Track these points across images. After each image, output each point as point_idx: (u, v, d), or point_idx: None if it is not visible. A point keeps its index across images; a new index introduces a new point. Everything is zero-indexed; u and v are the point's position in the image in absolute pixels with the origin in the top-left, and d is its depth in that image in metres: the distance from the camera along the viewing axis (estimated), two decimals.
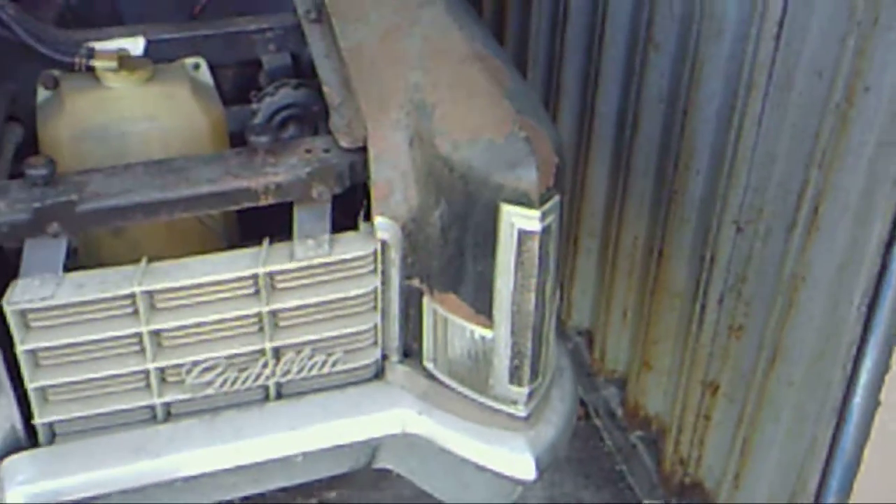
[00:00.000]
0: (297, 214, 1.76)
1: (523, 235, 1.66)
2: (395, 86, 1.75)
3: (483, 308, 1.77)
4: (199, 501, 1.98)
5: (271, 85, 1.95)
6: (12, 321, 1.65)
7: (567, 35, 2.81)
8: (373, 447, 1.99)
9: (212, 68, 1.97)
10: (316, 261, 1.75)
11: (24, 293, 1.64)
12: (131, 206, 1.68)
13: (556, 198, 1.69)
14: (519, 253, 1.67)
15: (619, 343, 2.94)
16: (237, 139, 1.98)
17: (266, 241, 1.74)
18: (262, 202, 1.73)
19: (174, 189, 1.70)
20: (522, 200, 1.64)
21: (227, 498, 2.03)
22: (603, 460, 2.87)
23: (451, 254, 1.76)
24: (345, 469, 2.06)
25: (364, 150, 1.75)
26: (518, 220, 1.65)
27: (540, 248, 1.68)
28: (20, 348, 1.68)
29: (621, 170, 2.73)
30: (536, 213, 1.64)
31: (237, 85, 2.01)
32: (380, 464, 2.07)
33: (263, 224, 1.91)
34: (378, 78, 1.77)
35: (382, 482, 2.61)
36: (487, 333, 1.78)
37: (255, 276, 1.74)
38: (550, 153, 1.68)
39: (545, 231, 1.67)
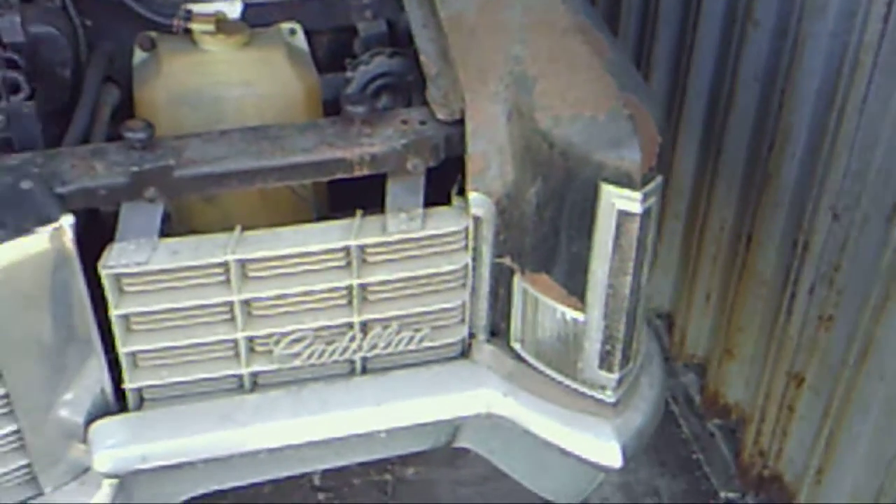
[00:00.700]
0: (391, 187, 1.73)
1: (623, 217, 1.61)
2: (495, 58, 1.71)
3: (576, 290, 1.73)
4: (281, 473, 1.99)
5: (366, 53, 1.92)
6: (107, 285, 1.65)
7: (661, 7, 2.73)
8: (455, 426, 1.97)
9: (307, 34, 1.94)
10: (408, 235, 1.72)
11: (119, 257, 1.64)
12: (227, 173, 1.66)
13: (658, 179, 1.63)
14: (617, 235, 1.63)
15: (700, 328, 2.88)
16: (330, 107, 1.96)
17: (359, 214, 1.73)
18: (357, 173, 1.71)
19: (269, 157, 1.67)
20: (624, 181, 1.59)
21: (308, 470, 2.05)
22: (679, 447, 2.82)
23: (546, 233, 1.72)
24: (425, 446, 2.04)
25: (460, 122, 1.72)
26: (618, 201, 1.60)
27: (639, 230, 1.63)
28: (114, 312, 1.68)
29: (712, 150, 2.66)
30: (638, 195, 1.59)
31: (331, 52, 1.98)
32: (460, 443, 2.05)
33: (347, 194, 1.93)
34: (477, 49, 1.72)
35: (458, 460, 2.60)
36: (579, 316, 1.74)
37: (346, 249, 1.72)
38: (654, 132, 1.62)
39: (646, 213, 1.62)
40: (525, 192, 1.71)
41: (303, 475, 2.23)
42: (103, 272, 1.64)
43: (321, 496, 2.66)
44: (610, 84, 1.63)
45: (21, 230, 1.55)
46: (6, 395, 1.68)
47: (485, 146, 1.69)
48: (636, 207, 1.61)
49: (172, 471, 1.83)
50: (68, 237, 1.59)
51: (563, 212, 1.67)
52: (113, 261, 1.64)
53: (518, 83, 1.68)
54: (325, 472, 2.53)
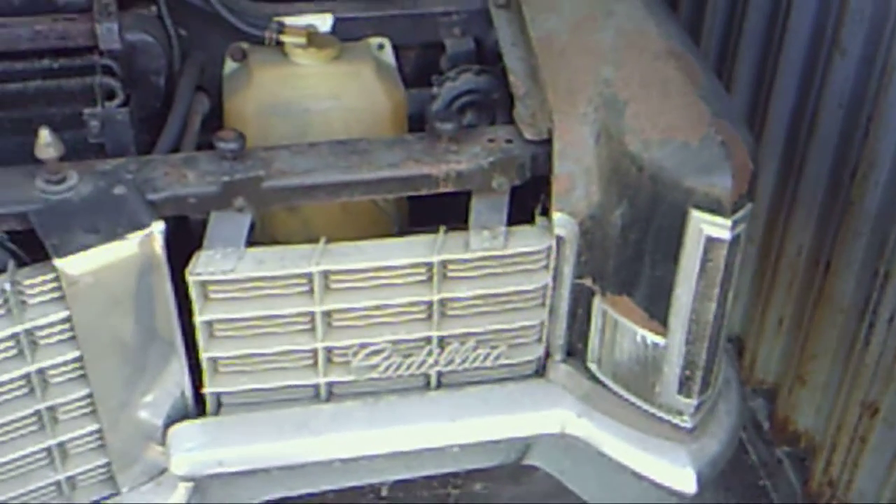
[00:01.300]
0: (475, 204, 1.73)
1: (711, 243, 1.60)
2: (585, 79, 1.70)
3: (657, 314, 1.72)
4: (351, 482, 2.00)
5: (453, 70, 1.93)
6: (193, 291, 1.67)
7: (744, 30, 2.70)
8: (527, 444, 1.97)
9: (394, 49, 1.96)
10: (490, 252, 1.72)
11: (207, 265, 1.66)
12: (315, 185, 1.68)
13: (748, 206, 1.62)
14: (704, 261, 1.62)
15: (771, 353, 2.84)
16: (415, 122, 1.98)
17: (442, 230, 1.73)
18: (442, 189, 1.71)
19: (357, 171, 1.69)
20: (714, 207, 1.58)
21: (377, 481, 2.06)
22: (746, 473, 2.79)
23: (629, 255, 1.71)
24: (494, 463, 2.04)
25: (547, 142, 1.71)
26: (707, 228, 1.59)
27: (727, 257, 1.62)
28: (198, 318, 1.70)
29: (791, 175, 2.62)
30: (728, 222, 1.58)
31: (418, 67, 1.99)
32: (530, 460, 2.05)
33: (426, 209, 1.94)
34: (567, 70, 1.72)
35: (523, 477, 2.60)
36: (660, 340, 1.73)
37: (429, 264, 1.72)
38: (746, 160, 1.61)
39: (734, 240, 1.61)
40: (610, 215, 1.70)
41: (370, 485, 2.25)
42: (190, 279, 1.66)
43: None
44: (703, 110, 1.62)
45: (113, 235, 1.57)
46: (90, 395, 1.72)
47: (571, 167, 1.69)
48: (725, 234, 1.59)
49: (246, 476, 1.86)
50: (158, 243, 1.61)
51: (649, 235, 1.66)
52: (200, 268, 1.66)
53: (608, 105, 1.68)
54: (389, 483, 2.55)
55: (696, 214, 1.59)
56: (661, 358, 1.75)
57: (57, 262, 1.55)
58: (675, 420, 1.80)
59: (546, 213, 1.75)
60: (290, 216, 1.91)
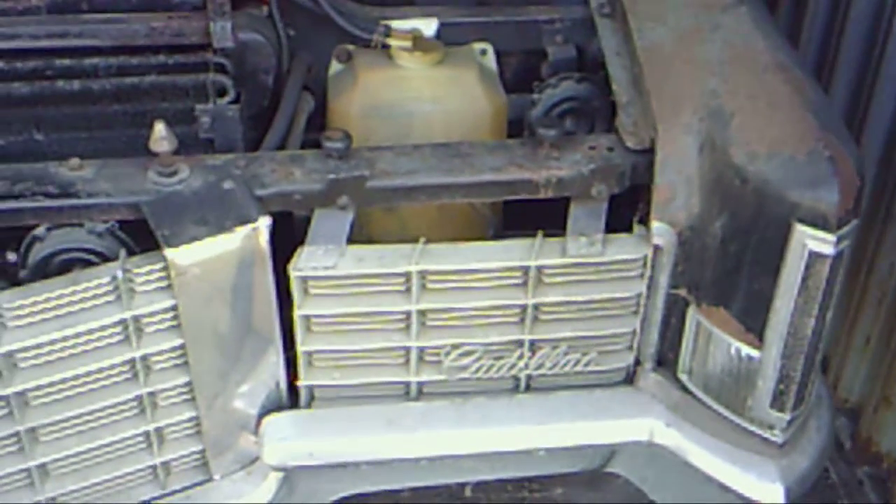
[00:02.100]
0: (573, 211, 1.75)
1: (814, 258, 1.59)
2: (691, 90, 1.70)
3: (754, 326, 1.71)
4: (435, 480, 2.02)
5: (554, 77, 1.94)
6: (294, 286, 1.71)
7: (842, 45, 2.67)
8: (612, 451, 1.98)
9: (496, 54, 1.98)
10: (587, 259, 1.73)
11: (308, 261, 1.69)
12: (417, 186, 1.71)
13: (853, 222, 1.61)
14: (806, 275, 1.61)
15: (856, 372, 2.79)
16: (513, 127, 2.00)
17: (539, 235, 1.74)
18: (541, 195, 1.73)
19: (459, 174, 1.72)
20: (819, 222, 1.57)
21: (459, 480, 2.07)
22: (826, 493, 2.75)
23: (728, 267, 1.70)
24: (577, 468, 2.04)
25: (649, 151, 1.72)
26: (811, 242, 1.58)
27: (829, 272, 1.61)
28: (297, 312, 1.74)
29: (886, 191, 2.58)
30: (832, 237, 1.57)
31: (518, 73, 2.01)
32: (613, 468, 2.05)
33: (518, 214, 1.96)
34: (673, 80, 1.72)
35: (601, 483, 2.59)
36: (755, 353, 1.72)
37: (525, 268, 1.74)
38: (853, 175, 1.60)
39: (838, 256, 1.60)
40: (709, 226, 1.69)
41: (454, 485, 2.27)
42: (293, 274, 1.70)
43: None
44: (810, 124, 1.62)
45: (222, 228, 1.61)
46: (189, 383, 1.76)
47: (673, 177, 1.69)
48: (829, 249, 1.58)
49: (334, 469, 1.90)
50: (264, 237, 1.65)
51: (750, 248, 1.66)
52: (302, 263, 1.70)
53: (713, 117, 1.68)
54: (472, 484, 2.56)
55: (800, 229, 1.58)
56: (756, 371, 1.74)
57: (167, 252, 1.59)
58: (766, 434, 1.79)
59: (644, 221, 1.75)
60: (387, 216, 1.94)
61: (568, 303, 1.79)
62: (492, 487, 2.44)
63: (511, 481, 2.35)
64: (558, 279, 1.76)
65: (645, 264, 1.76)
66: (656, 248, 1.75)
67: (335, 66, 1.95)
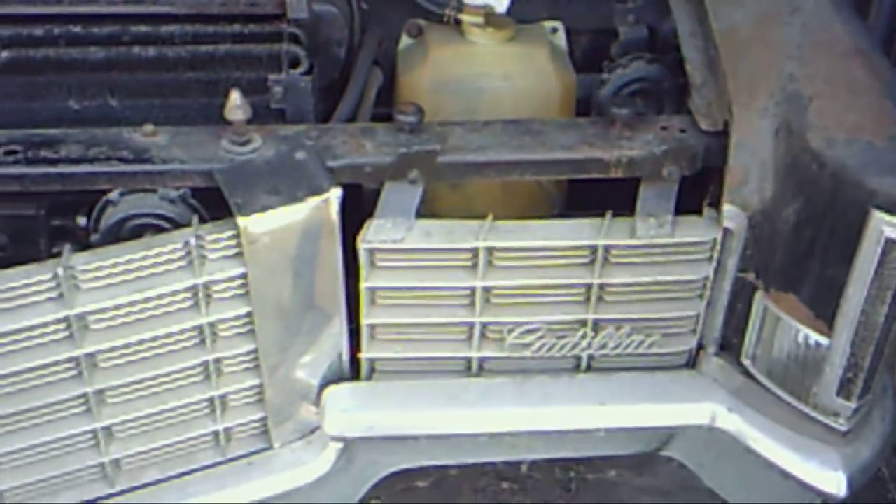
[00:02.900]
0: (643, 191, 1.74)
1: (890, 245, 1.57)
2: (768, 73, 1.69)
3: (823, 313, 1.69)
4: (491, 458, 2.03)
5: (625, 57, 1.93)
6: (362, 258, 1.72)
7: None
8: (670, 434, 1.98)
9: (567, 33, 1.97)
10: (656, 240, 1.72)
11: (377, 233, 1.70)
12: (488, 163, 1.71)
13: None
14: (881, 262, 1.59)
15: None
16: (580, 106, 1.98)
17: (608, 214, 1.73)
18: (612, 174, 1.72)
19: (530, 151, 1.71)
20: None
21: (514, 458, 2.08)
22: (875, 486, 2.74)
23: (799, 253, 1.69)
24: (634, 451, 2.04)
25: (723, 134, 1.71)
26: (888, 229, 1.56)
27: None
28: (364, 285, 1.74)
29: None
30: None
31: (588, 52, 2.00)
32: (669, 451, 2.05)
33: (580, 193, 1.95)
34: (749, 63, 1.71)
35: (645, 468, 2.59)
36: (823, 340, 1.71)
37: (593, 248, 1.73)
38: None
39: None
40: (782, 210, 1.68)
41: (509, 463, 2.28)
42: (361, 246, 1.71)
43: (504, 484, 2.70)
44: (890, 110, 1.61)
45: (294, 198, 1.62)
46: (254, 351, 1.77)
47: (747, 160, 1.68)
48: None
49: (393, 442, 1.91)
50: (334, 209, 1.66)
51: (823, 233, 1.64)
52: (371, 236, 1.71)
53: (791, 101, 1.66)
54: (507, 462, 2.58)
55: (877, 215, 1.57)
56: (823, 358, 1.72)
57: (240, 219, 1.60)
58: (830, 422, 1.78)
59: (714, 204, 1.73)
60: (452, 191, 1.93)
61: (634, 284, 1.78)
62: (547, 466, 2.45)
63: (566, 461, 2.35)
64: (625, 259, 1.76)
65: (714, 247, 1.75)
66: (726, 232, 1.74)
67: (405, 41, 1.96)
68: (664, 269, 1.77)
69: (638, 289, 1.79)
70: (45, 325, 1.61)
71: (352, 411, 1.83)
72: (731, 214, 1.71)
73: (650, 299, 1.80)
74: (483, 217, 1.76)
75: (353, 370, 1.88)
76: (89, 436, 1.75)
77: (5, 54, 1.73)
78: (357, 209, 1.76)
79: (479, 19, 1.88)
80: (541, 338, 1.83)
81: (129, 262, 1.61)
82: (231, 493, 1.85)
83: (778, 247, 1.72)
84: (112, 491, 1.82)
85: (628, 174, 1.73)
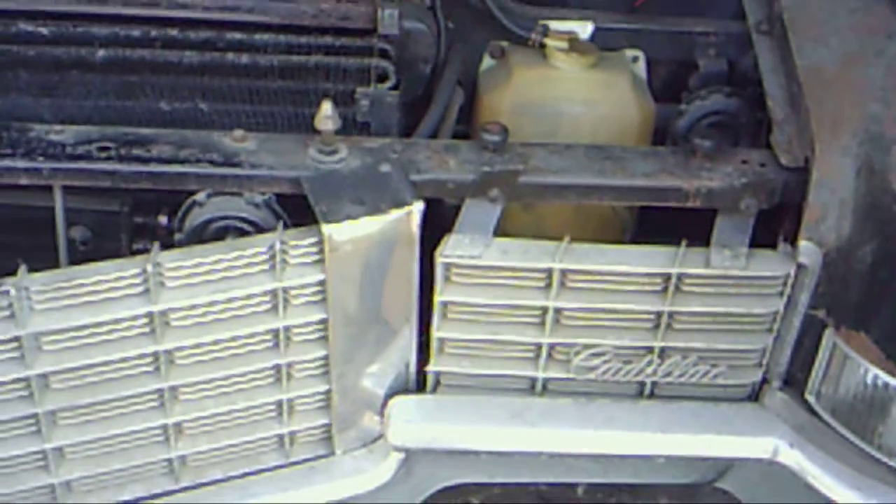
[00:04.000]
0: (720, 223, 1.75)
1: None
2: (851, 113, 1.71)
3: (894, 354, 1.71)
4: (551, 479, 2.05)
5: (703, 89, 1.96)
6: (438, 272, 1.74)
7: None
8: (728, 466, 1.99)
9: (646, 62, 2.00)
10: (730, 272, 1.74)
11: (455, 248, 1.73)
12: (568, 185, 1.74)
13: None
14: None
15: None
16: (656, 136, 2.01)
17: (683, 243, 1.74)
18: (690, 204, 1.74)
19: (610, 176, 1.74)
20: None
21: (570, 480, 2.09)
22: None
23: (874, 292, 1.70)
24: (689, 480, 2.04)
25: (803, 170, 1.72)
26: None
27: None
28: (438, 298, 1.77)
29: None
30: None
31: (666, 82, 2.02)
32: (723, 483, 2.05)
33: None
34: (833, 102, 1.73)
35: (702, 497, 2.59)
36: (893, 381, 1.71)
37: (666, 275, 1.75)
38: None
39: None
40: (858, 249, 1.69)
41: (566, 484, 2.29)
42: (439, 259, 1.73)
43: None
44: None
45: (377, 209, 1.65)
46: (325, 357, 1.80)
47: (826, 197, 1.69)
48: None
49: (453, 455, 1.92)
50: (416, 222, 1.69)
51: None
52: (449, 250, 1.73)
53: (874, 142, 1.68)
54: (550, 484, 2.58)
55: None
56: (891, 399, 1.73)
57: (324, 227, 1.63)
58: (895, 464, 1.81)
59: (790, 239, 1.75)
60: (524, 211, 1.96)
61: (704, 314, 1.79)
62: (602, 490, 2.46)
63: (621, 486, 2.36)
64: (697, 289, 1.77)
65: (786, 282, 1.76)
66: (800, 267, 1.75)
67: (487, 62, 1.99)
68: (735, 300, 1.78)
69: (707, 319, 1.80)
70: (129, 319, 1.64)
71: (416, 423, 1.85)
72: (807, 251, 1.72)
73: (719, 330, 1.81)
74: (554, 238, 1.79)
75: (419, 382, 1.91)
76: (159, 431, 1.77)
77: (102, 53, 1.77)
78: (432, 223, 1.80)
79: (564, 44, 1.91)
80: (607, 361, 1.85)
81: (214, 262, 1.64)
82: (292, 496, 1.87)
83: (851, 285, 1.73)
84: (176, 487, 1.84)
85: (706, 205, 1.75)
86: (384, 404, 1.86)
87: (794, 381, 1.87)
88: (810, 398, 1.86)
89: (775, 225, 1.81)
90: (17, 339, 1.62)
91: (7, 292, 1.58)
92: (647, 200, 1.77)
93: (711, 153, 1.75)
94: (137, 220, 1.82)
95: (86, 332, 1.65)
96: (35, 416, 1.69)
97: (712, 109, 1.96)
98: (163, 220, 1.80)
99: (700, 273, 1.76)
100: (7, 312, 1.60)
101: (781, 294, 1.78)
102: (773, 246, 1.78)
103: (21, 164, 1.67)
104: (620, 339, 1.82)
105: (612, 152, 1.78)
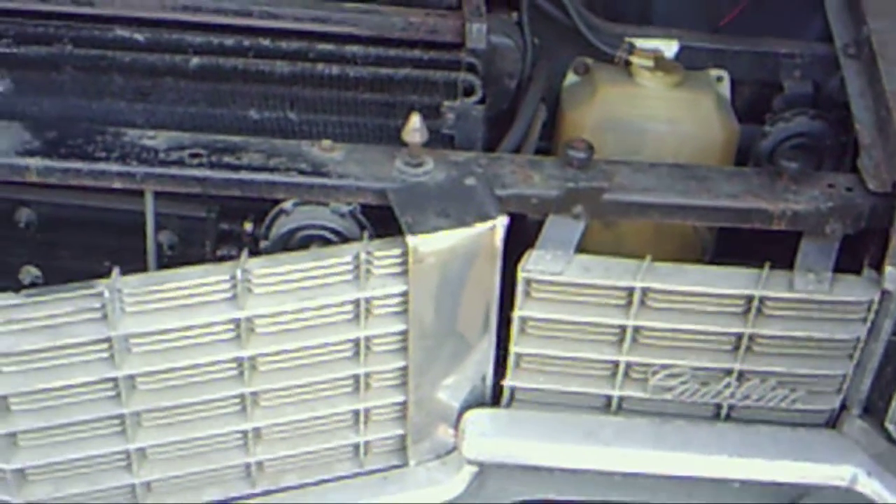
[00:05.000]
0: (804, 246, 1.75)
1: None
2: None
3: None
4: (621, 498, 2.04)
5: (788, 110, 1.95)
6: (519, 287, 1.75)
7: None
8: (803, 492, 1.96)
9: (731, 82, 2.00)
10: (814, 296, 1.73)
11: (537, 264, 1.73)
12: (652, 204, 1.74)
13: None
14: None
15: None
16: (737, 156, 2.01)
17: (766, 266, 1.74)
18: (774, 226, 1.73)
19: (695, 196, 1.74)
20: None
21: (644, 501, 2.07)
22: None
23: None
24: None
25: (890, 195, 1.71)
26: None
27: None
28: (517, 313, 1.78)
29: None
30: None
31: (749, 103, 2.02)
32: None
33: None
34: None
35: None
36: None
37: (748, 297, 1.74)
38: None
39: None
40: None
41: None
42: (521, 275, 1.74)
43: None
44: None
45: (462, 222, 1.67)
46: (404, 368, 1.81)
47: None
48: None
49: (526, 471, 1.92)
50: (499, 236, 1.70)
51: None
52: (531, 266, 1.74)
53: None
54: None
55: None
56: None
57: (409, 238, 1.65)
58: None
59: (875, 265, 1.73)
60: (603, 229, 1.97)
61: (785, 337, 1.79)
62: None
63: None
64: (779, 312, 1.77)
65: (870, 308, 1.75)
66: (885, 293, 1.73)
67: (571, 78, 2.00)
68: (817, 325, 1.77)
69: (788, 343, 1.79)
70: (216, 324, 1.67)
71: (490, 437, 1.85)
72: (893, 277, 1.71)
73: (799, 354, 1.80)
74: (631, 256, 1.79)
75: (494, 397, 1.91)
76: (239, 435, 1.79)
77: (196, 61, 1.80)
78: (512, 238, 1.81)
79: (650, 62, 1.91)
80: (684, 382, 1.84)
81: (301, 270, 1.67)
82: None
83: None
84: (253, 491, 1.86)
85: (791, 228, 1.74)
86: (459, 417, 1.87)
87: (874, 409, 1.86)
88: (890, 427, 1.84)
89: (860, 250, 1.81)
90: (107, 339, 1.65)
91: (101, 293, 1.63)
92: (731, 221, 1.76)
93: (798, 176, 1.75)
94: (223, 227, 1.85)
95: (174, 335, 1.68)
96: (121, 416, 1.72)
97: (796, 131, 1.95)
98: (248, 227, 1.83)
99: (783, 296, 1.75)
100: (99, 314, 1.63)
101: (865, 320, 1.77)
102: (857, 271, 1.78)
103: (115, 167, 1.71)
104: (699, 360, 1.82)
105: (697, 172, 1.78)
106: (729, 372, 1.82)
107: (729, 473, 1.86)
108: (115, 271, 1.63)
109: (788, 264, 1.78)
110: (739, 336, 1.79)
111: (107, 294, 1.61)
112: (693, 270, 1.76)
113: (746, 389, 1.83)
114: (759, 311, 1.76)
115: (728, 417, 1.88)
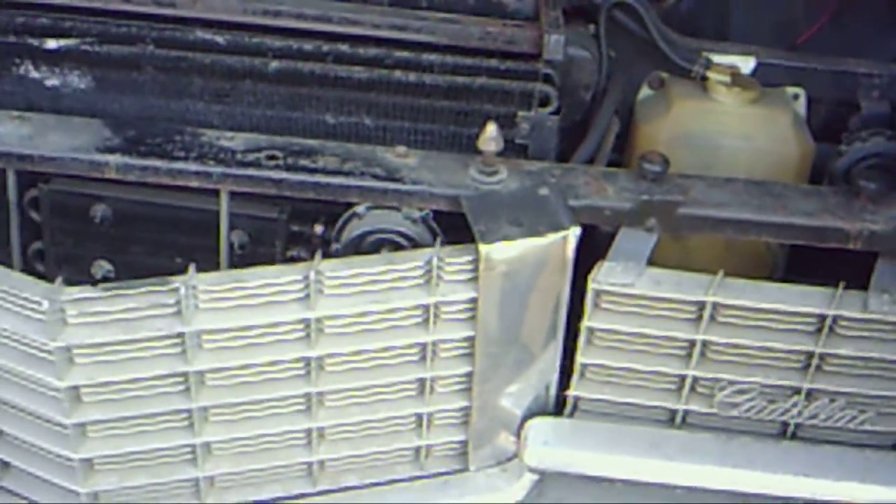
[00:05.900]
0: (880, 267, 1.74)
1: None
2: None
3: None
4: None
5: (865, 130, 1.93)
6: (589, 298, 1.75)
7: None
8: None
9: (807, 100, 1.99)
10: (888, 317, 1.71)
11: (608, 275, 1.74)
12: (727, 219, 1.74)
13: None
14: None
15: None
16: (811, 174, 2.00)
17: (841, 285, 1.72)
18: (850, 246, 1.72)
19: (770, 213, 1.73)
20: None
21: None
22: None
23: None
24: None
25: None
26: None
27: None
28: (585, 323, 1.78)
29: None
30: None
31: (824, 121, 2.00)
32: None
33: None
34: None
35: None
36: None
37: (821, 317, 1.74)
38: None
39: None
40: None
41: None
42: (592, 285, 1.74)
43: None
44: None
45: (535, 231, 1.67)
46: (469, 374, 1.82)
47: None
48: None
49: (586, 481, 1.91)
50: (571, 246, 1.70)
51: None
52: (602, 277, 1.74)
53: None
54: None
55: None
56: None
57: (482, 246, 1.66)
58: None
59: None
60: (673, 243, 1.96)
61: (856, 358, 1.77)
62: None
63: None
64: (852, 332, 1.75)
65: None
66: None
67: (645, 91, 2.00)
68: (890, 346, 1.75)
69: (859, 363, 1.78)
70: (287, 324, 1.69)
71: (552, 446, 1.85)
72: None
73: (869, 375, 1.79)
74: (700, 270, 1.78)
75: (557, 406, 1.92)
76: (303, 434, 1.82)
77: (275, 65, 1.83)
78: (581, 249, 1.81)
79: (726, 78, 1.91)
80: (751, 399, 1.83)
81: (373, 274, 1.68)
82: None
83: None
84: (313, 490, 1.88)
85: (867, 248, 1.73)
86: (521, 425, 1.87)
87: None
88: None
89: None
90: (180, 335, 1.67)
91: (177, 289, 1.65)
92: (807, 240, 1.75)
93: (875, 196, 1.74)
94: (293, 228, 1.88)
95: (245, 333, 1.70)
96: (189, 411, 1.74)
97: (873, 152, 1.93)
98: (319, 229, 1.87)
99: (856, 316, 1.74)
100: (174, 309, 1.66)
101: None
102: None
103: (193, 167, 1.75)
104: (767, 377, 1.81)
105: (773, 189, 1.78)
106: (797, 391, 1.81)
107: (793, 492, 1.84)
108: (192, 268, 1.65)
109: (852, 283, 1.76)
110: (810, 355, 1.77)
111: (182, 290, 1.64)
112: (766, 287, 1.76)
113: (814, 408, 1.82)
114: (831, 330, 1.75)
115: (794, 436, 1.87)
